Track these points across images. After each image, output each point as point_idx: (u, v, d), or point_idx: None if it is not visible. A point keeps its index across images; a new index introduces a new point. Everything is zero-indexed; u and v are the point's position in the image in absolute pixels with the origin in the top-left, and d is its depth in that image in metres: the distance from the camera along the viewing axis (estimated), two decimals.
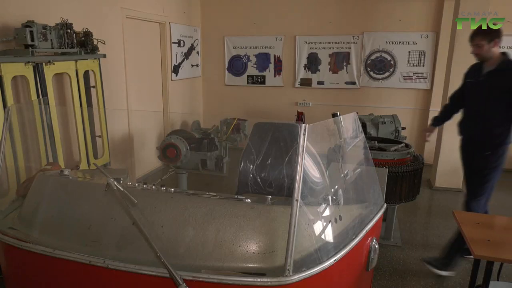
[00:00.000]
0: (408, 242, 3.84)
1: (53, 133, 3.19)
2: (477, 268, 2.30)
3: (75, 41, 3.55)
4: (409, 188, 3.66)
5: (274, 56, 6.75)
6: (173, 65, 6.04)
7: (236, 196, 1.81)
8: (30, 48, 3.07)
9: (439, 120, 3.68)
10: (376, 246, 2.00)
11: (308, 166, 1.70)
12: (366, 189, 2.23)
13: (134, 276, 1.53)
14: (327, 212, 1.79)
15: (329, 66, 6.56)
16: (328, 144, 2.16)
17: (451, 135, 5.18)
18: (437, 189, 5.35)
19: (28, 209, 1.99)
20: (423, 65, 6.20)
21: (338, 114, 2.10)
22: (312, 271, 1.51)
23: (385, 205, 2.24)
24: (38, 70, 3.16)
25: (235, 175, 3.05)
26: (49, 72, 3.29)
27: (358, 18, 6.29)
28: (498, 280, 2.69)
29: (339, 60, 6.50)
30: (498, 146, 3.15)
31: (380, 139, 4.11)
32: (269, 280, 1.45)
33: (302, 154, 1.49)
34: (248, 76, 6.93)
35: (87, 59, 3.76)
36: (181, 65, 6.31)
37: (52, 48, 3.30)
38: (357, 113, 2.65)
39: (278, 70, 6.79)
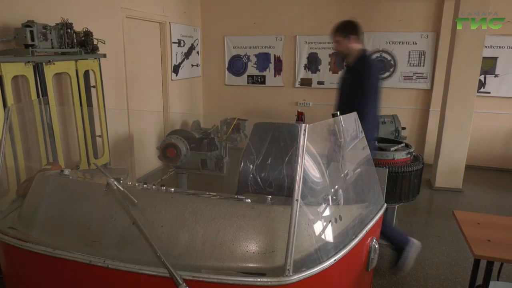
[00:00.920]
0: None
1: (53, 133, 3.19)
2: (477, 268, 2.30)
3: (75, 41, 3.55)
4: (409, 188, 3.66)
5: (274, 56, 6.75)
6: (173, 65, 6.04)
7: (236, 196, 1.81)
8: (30, 48, 3.07)
9: None
10: (376, 246, 2.00)
11: (308, 166, 1.70)
12: (366, 189, 2.23)
13: (134, 276, 1.53)
14: (327, 212, 1.79)
15: (329, 66, 6.56)
16: (328, 144, 2.16)
17: (451, 135, 5.20)
18: (437, 189, 5.35)
19: (28, 209, 1.99)
20: (423, 65, 6.20)
21: (338, 114, 2.10)
22: (312, 271, 1.51)
23: (385, 205, 2.24)
24: (38, 70, 3.16)
25: (235, 175, 3.05)
26: (49, 72, 3.29)
27: (358, 18, 6.18)
28: (498, 280, 2.69)
29: (339, 60, 6.50)
30: None
31: (380, 139, 4.12)
32: (269, 280, 1.45)
33: (302, 154, 1.49)
34: (248, 76, 6.93)
35: (87, 59, 3.76)
36: (181, 65, 6.31)
37: (52, 48, 3.30)
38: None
39: (278, 70, 6.79)
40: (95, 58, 3.87)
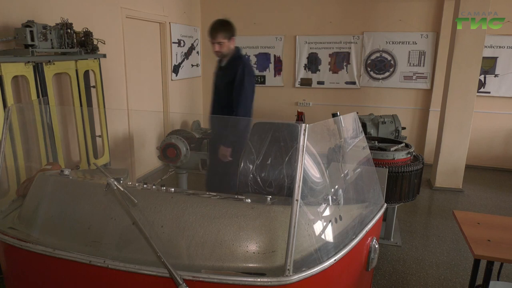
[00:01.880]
0: (408, 242, 3.84)
1: (53, 133, 3.19)
2: (477, 268, 2.30)
3: (75, 41, 3.55)
4: (409, 188, 3.66)
5: (274, 56, 6.75)
6: (173, 65, 6.03)
7: (236, 196, 1.81)
8: (30, 48, 3.07)
9: None
10: (376, 246, 2.00)
11: (308, 166, 1.70)
12: (366, 189, 2.23)
13: (134, 276, 1.53)
14: (327, 212, 1.79)
15: (329, 66, 6.56)
16: (328, 144, 2.16)
17: (451, 135, 5.21)
18: (437, 189, 5.35)
19: (28, 209, 1.99)
20: (423, 65, 6.20)
21: (338, 114, 2.10)
22: (312, 271, 1.51)
23: (385, 205, 2.24)
24: (38, 70, 3.16)
25: (235, 175, 3.05)
26: (49, 72, 3.29)
27: (358, 18, 6.29)
28: (498, 280, 2.69)
29: (339, 60, 6.50)
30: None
31: (380, 139, 4.12)
32: (269, 280, 1.45)
33: (302, 154, 1.49)
34: None
35: (87, 59, 3.76)
36: (181, 65, 6.31)
37: (52, 48, 3.30)
38: (357, 113, 2.65)
39: (278, 70, 6.79)
40: (95, 58, 3.87)
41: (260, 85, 6.93)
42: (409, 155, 3.74)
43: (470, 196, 5.16)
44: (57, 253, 1.64)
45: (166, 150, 4.07)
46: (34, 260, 1.73)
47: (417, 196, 3.90)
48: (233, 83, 3.17)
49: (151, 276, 1.51)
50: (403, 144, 3.93)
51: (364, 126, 4.47)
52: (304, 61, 6.63)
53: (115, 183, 1.76)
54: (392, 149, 3.72)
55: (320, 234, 1.72)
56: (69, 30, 3.44)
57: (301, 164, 1.48)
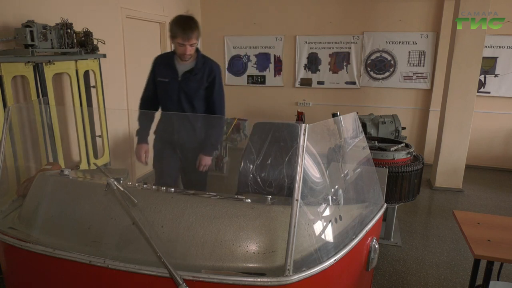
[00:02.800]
0: (408, 242, 3.84)
1: (53, 133, 3.19)
2: (477, 268, 2.30)
3: (75, 41, 3.55)
4: (409, 188, 3.66)
5: (274, 56, 6.75)
6: None
7: (236, 196, 1.81)
8: (30, 48, 3.07)
9: (146, 133, 3.07)
10: (376, 246, 2.00)
11: (308, 166, 1.70)
12: (366, 189, 2.23)
13: (134, 276, 1.53)
14: (327, 212, 1.79)
15: (329, 66, 6.56)
16: (328, 144, 2.16)
17: (451, 135, 5.20)
18: (437, 189, 5.35)
19: (28, 209, 1.98)
20: (423, 65, 6.20)
21: (338, 114, 2.10)
22: (312, 271, 1.51)
23: (385, 205, 2.24)
24: (38, 70, 3.16)
25: (235, 175, 3.05)
26: (49, 72, 3.29)
27: (358, 18, 6.29)
28: (498, 280, 2.69)
29: (339, 60, 6.50)
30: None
31: (380, 139, 4.12)
32: (269, 280, 1.45)
33: (302, 154, 1.49)
34: (248, 76, 6.93)
35: (87, 59, 3.76)
36: None
37: (52, 48, 3.30)
38: (357, 113, 2.65)
39: (278, 70, 6.79)
40: (95, 58, 3.87)
41: (260, 85, 6.93)
42: (409, 155, 3.74)
43: (470, 196, 5.16)
44: (57, 253, 1.64)
45: None
46: (34, 260, 1.73)
47: (417, 196, 3.90)
48: (209, 88, 2.84)
49: (151, 276, 1.51)
50: (403, 144, 3.93)
51: (364, 126, 4.47)
52: (304, 61, 6.63)
53: (115, 183, 1.76)
54: (392, 149, 3.72)
55: (320, 234, 1.72)
56: (69, 30, 3.44)
57: (301, 164, 1.48)
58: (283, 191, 2.82)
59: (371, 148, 3.44)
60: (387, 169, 3.29)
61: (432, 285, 3.14)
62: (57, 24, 3.36)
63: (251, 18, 6.68)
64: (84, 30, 3.72)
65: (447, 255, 3.60)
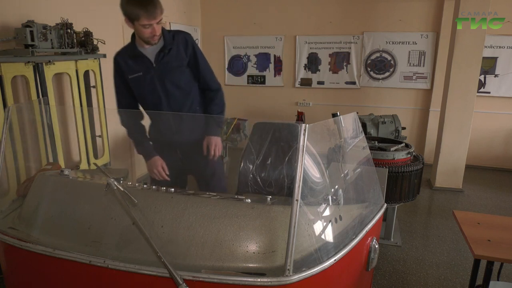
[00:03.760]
0: (408, 242, 3.84)
1: (53, 133, 3.19)
2: (477, 268, 2.30)
3: (75, 41, 3.55)
4: (409, 188, 3.66)
5: (274, 56, 6.75)
6: None
7: (236, 196, 1.81)
8: (30, 48, 3.07)
9: (149, 145, 2.65)
10: (376, 246, 2.00)
11: (308, 166, 1.70)
12: (366, 189, 2.23)
13: (134, 276, 1.53)
14: (327, 212, 1.79)
15: (329, 66, 6.56)
16: (328, 144, 2.16)
17: (451, 135, 5.20)
18: (437, 189, 5.35)
19: (28, 209, 1.98)
20: (423, 65, 6.20)
21: (338, 114, 2.09)
22: (312, 271, 1.51)
23: (385, 205, 2.24)
24: (38, 70, 3.16)
25: (235, 175, 3.05)
26: (49, 72, 3.29)
27: (358, 18, 6.29)
28: (498, 280, 2.69)
29: (339, 60, 6.50)
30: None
31: (380, 139, 4.12)
32: (269, 280, 1.45)
33: (302, 154, 1.49)
34: (248, 76, 6.93)
35: (87, 59, 3.76)
36: None
37: (52, 48, 3.30)
38: (357, 113, 2.65)
39: (278, 70, 6.79)
40: (95, 58, 3.87)
41: (260, 85, 6.93)
42: (409, 155, 3.74)
43: (470, 196, 5.16)
44: (57, 253, 1.64)
45: None
46: (34, 260, 1.73)
47: (417, 196, 3.90)
48: (191, 62, 2.43)
49: (151, 276, 1.51)
50: (403, 144, 3.93)
51: (364, 126, 4.47)
52: (304, 61, 6.63)
53: (115, 183, 1.76)
54: (392, 149, 3.72)
55: (320, 234, 1.72)
56: (69, 30, 3.44)
57: (301, 164, 1.48)
58: (283, 191, 2.81)
59: (371, 148, 3.44)
60: (387, 169, 3.29)
61: (432, 285, 3.14)
62: (57, 24, 3.36)
63: (251, 18, 6.68)
64: (84, 30, 3.72)
65: (447, 255, 3.60)
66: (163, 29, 2.35)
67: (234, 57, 6.93)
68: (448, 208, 4.71)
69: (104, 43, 4.03)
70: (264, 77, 6.87)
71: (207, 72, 2.51)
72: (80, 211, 1.85)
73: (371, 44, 6.31)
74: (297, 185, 1.47)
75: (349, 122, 2.31)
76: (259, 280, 1.45)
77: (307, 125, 1.52)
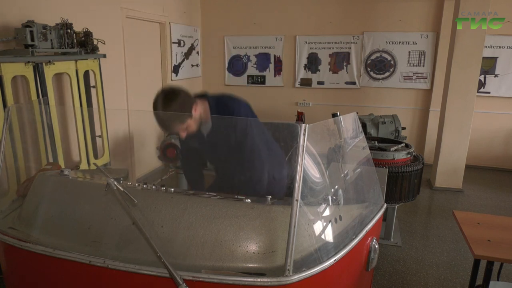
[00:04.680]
0: (408, 242, 3.84)
1: (53, 133, 3.19)
2: (477, 268, 2.30)
3: (75, 41, 3.55)
4: (409, 188, 3.66)
5: (274, 56, 6.75)
6: (173, 65, 6.04)
7: (236, 196, 1.81)
8: (30, 48, 3.07)
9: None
10: (376, 246, 2.00)
11: (308, 166, 1.70)
12: (366, 189, 2.23)
13: (134, 276, 1.53)
14: (327, 212, 1.79)
15: (329, 66, 6.56)
16: (328, 144, 2.16)
17: (451, 135, 5.20)
18: (437, 189, 5.35)
19: (28, 209, 1.98)
20: (423, 65, 6.20)
21: (338, 114, 2.09)
22: (312, 271, 1.51)
23: (385, 205, 2.24)
24: (38, 70, 3.16)
25: None
26: (49, 72, 3.29)
27: (358, 18, 6.29)
28: (498, 280, 2.69)
29: (339, 60, 6.50)
30: None
31: (380, 139, 4.12)
32: (269, 280, 1.45)
33: (302, 154, 1.49)
34: (248, 76, 6.93)
35: (87, 59, 3.76)
36: (181, 65, 6.31)
37: (52, 48, 3.30)
38: (357, 113, 2.65)
39: (278, 70, 6.79)
40: (95, 58, 3.87)
41: (260, 85, 6.93)
42: (409, 155, 3.74)
43: (470, 196, 5.16)
44: (57, 253, 1.64)
45: (166, 150, 4.07)
46: (34, 260, 1.73)
47: (417, 196, 3.90)
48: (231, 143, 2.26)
49: (151, 276, 1.51)
50: (403, 144, 3.93)
51: (364, 126, 4.47)
52: (304, 61, 6.63)
53: (115, 183, 1.76)
54: (392, 149, 3.72)
55: (320, 234, 1.72)
56: (69, 30, 3.44)
57: (301, 164, 1.48)
58: None
59: (371, 148, 3.44)
60: (387, 169, 3.29)
61: (432, 285, 3.14)
62: (57, 24, 3.36)
63: (251, 18, 6.68)
64: (84, 30, 3.72)
65: (447, 255, 3.60)
66: (211, 107, 2.23)
67: (234, 57, 6.93)
68: (448, 208, 4.71)
69: (104, 43, 4.03)
70: (264, 77, 6.87)
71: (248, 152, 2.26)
72: (80, 211, 1.85)
73: (371, 44, 6.31)
74: (297, 185, 1.47)
75: (349, 122, 2.31)
76: (259, 280, 1.45)
77: (307, 125, 1.52)
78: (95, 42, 3.84)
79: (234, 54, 6.91)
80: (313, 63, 6.62)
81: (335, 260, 1.61)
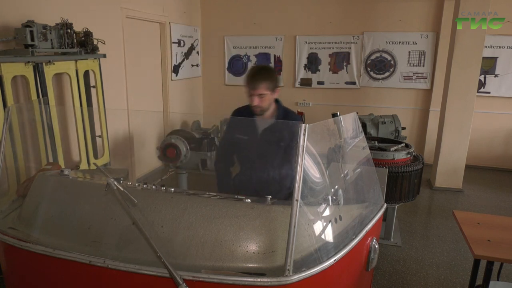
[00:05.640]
0: (408, 242, 3.84)
1: (53, 133, 3.19)
2: (477, 268, 2.30)
3: (75, 41, 3.55)
4: (409, 188, 3.66)
5: (274, 56, 6.75)
6: (173, 65, 6.04)
7: (236, 196, 1.81)
8: (30, 48, 3.07)
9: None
10: (376, 246, 2.00)
11: (308, 166, 1.70)
12: (366, 189, 2.23)
13: (134, 276, 1.53)
14: (327, 212, 1.79)
15: (329, 66, 6.56)
16: (328, 144, 2.16)
17: (451, 135, 5.20)
18: (437, 189, 5.35)
19: (28, 209, 1.98)
20: (423, 65, 6.20)
21: (338, 114, 2.09)
22: (312, 271, 1.51)
23: (385, 205, 2.24)
24: (38, 70, 3.16)
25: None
26: (49, 72, 3.29)
27: (358, 18, 6.29)
28: (498, 280, 2.69)
29: (339, 60, 6.50)
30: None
31: (380, 139, 4.12)
32: (269, 280, 1.45)
33: (302, 154, 1.49)
34: None
35: (87, 59, 3.76)
36: (181, 65, 6.31)
37: (52, 48, 3.30)
38: (357, 113, 2.65)
39: (278, 70, 6.78)
40: (95, 58, 3.87)
41: None
42: (409, 155, 3.74)
43: (470, 196, 5.16)
44: (57, 253, 1.64)
45: (166, 150, 4.07)
46: (34, 260, 1.73)
47: (417, 196, 3.90)
48: (281, 146, 2.39)
49: (151, 276, 1.51)
50: (403, 144, 3.93)
51: (364, 126, 4.47)
52: (304, 61, 6.63)
53: (115, 183, 1.76)
54: (392, 149, 3.72)
55: (320, 234, 1.72)
56: (69, 30, 3.44)
57: (301, 164, 1.48)
58: None
59: (371, 148, 3.44)
60: (387, 169, 3.29)
61: (432, 285, 3.14)
62: (57, 24, 3.36)
63: (251, 18, 6.68)
64: (84, 30, 3.72)
65: (447, 255, 3.60)
66: (279, 111, 2.45)
67: (234, 57, 6.93)
68: (448, 208, 4.71)
69: (104, 43, 4.03)
70: None
71: (287, 157, 2.40)
72: (80, 211, 1.85)
73: (371, 44, 6.31)
74: (297, 185, 1.47)
75: (349, 122, 2.31)
76: (259, 280, 1.45)
77: (307, 125, 1.52)
78: (95, 42, 3.84)
79: (234, 54, 6.91)
80: (313, 63, 6.62)
81: (335, 260, 1.61)
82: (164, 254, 1.53)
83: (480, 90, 5.84)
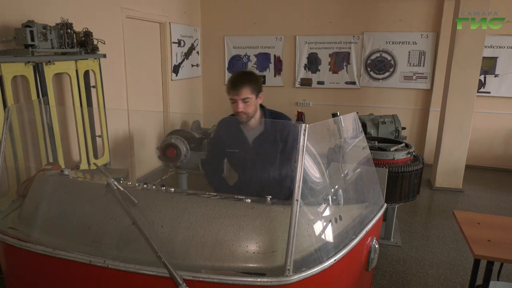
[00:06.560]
0: (408, 242, 3.84)
1: (53, 133, 3.19)
2: (477, 268, 2.30)
3: (75, 41, 3.55)
4: (409, 188, 3.66)
5: (274, 56, 6.75)
6: (173, 65, 6.03)
7: (236, 196, 1.81)
8: (30, 48, 3.07)
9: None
10: (376, 246, 2.00)
11: (308, 166, 1.70)
12: (366, 189, 2.23)
13: (134, 276, 1.53)
14: (327, 212, 1.79)
15: (329, 66, 6.56)
16: (328, 144, 2.16)
17: (451, 135, 5.20)
18: (437, 189, 5.35)
19: (28, 209, 1.98)
20: (423, 65, 6.20)
21: (338, 114, 2.09)
22: (312, 271, 1.51)
23: (385, 205, 2.24)
24: (38, 70, 3.16)
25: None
26: (49, 72, 3.29)
27: (358, 18, 6.29)
28: (498, 280, 2.69)
29: (339, 60, 6.50)
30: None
31: (380, 139, 4.12)
32: (269, 280, 1.45)
33: (302, 154, 1.49)
34: None
35: (87, 59, 3.76)
36: (181, 65, 6.31)
37: (52, 48, 3.30)
38: (357, 113, 2.65)
39: (278, 70, 6.79)
40: (95, 58, 3.87)
41: None
42: (409, 155, 3.74)
43: (470, 196, 5.16)
44: (57, 253, 1.64)
45: (166, 150, 4.07)
46: (34, 260, 1.73)
47: (417, 196, 3.90)
48: (277, 150, 2.35)
49: (151, 276, 1.51)
50: (403, 144, 3.93)
51: (364, 126, 4.47)
52: (304, 61, 6.63)
53: (115, 183, 1.76)
54: (392, 149, 3.72)
55: (320, 234, 1.72)
56: (69, 30, 3.44)
57: (301, 164, 1.48)
58: None
59: (371, 148, 3.44)
60: (387, 169, 3.29)
61: (432, 285, 3.14)
62: (57, 24, 3.36)
63: (251, 18, 6.68)
64: (84, 30, 3.72)
65: (447, 255, 3.60)
66: (266, 116, 2.41)
67: (234, 57, 6.93)
68: (448, 208, 4.71)
69: (104, 43, 4.03)
70: (264, 77, 6.87)
71: (286, 160, 2.37)
72: (80, 211, 1.85)
73: (371, 44, 6.31)
74: (297, 185, 1.47)
75: (349, 122, 2.31)
76: (259, 280, 1.45)
77: (307, 125, 1.52)
78: (95, 42, 3.84)
79: (234, 54, 6.91)
80: (313, 63, 6.62)
81: (335, 260, 1.61)
82: (164, 254, 1.53)
83: (480, 90, 5.84)
